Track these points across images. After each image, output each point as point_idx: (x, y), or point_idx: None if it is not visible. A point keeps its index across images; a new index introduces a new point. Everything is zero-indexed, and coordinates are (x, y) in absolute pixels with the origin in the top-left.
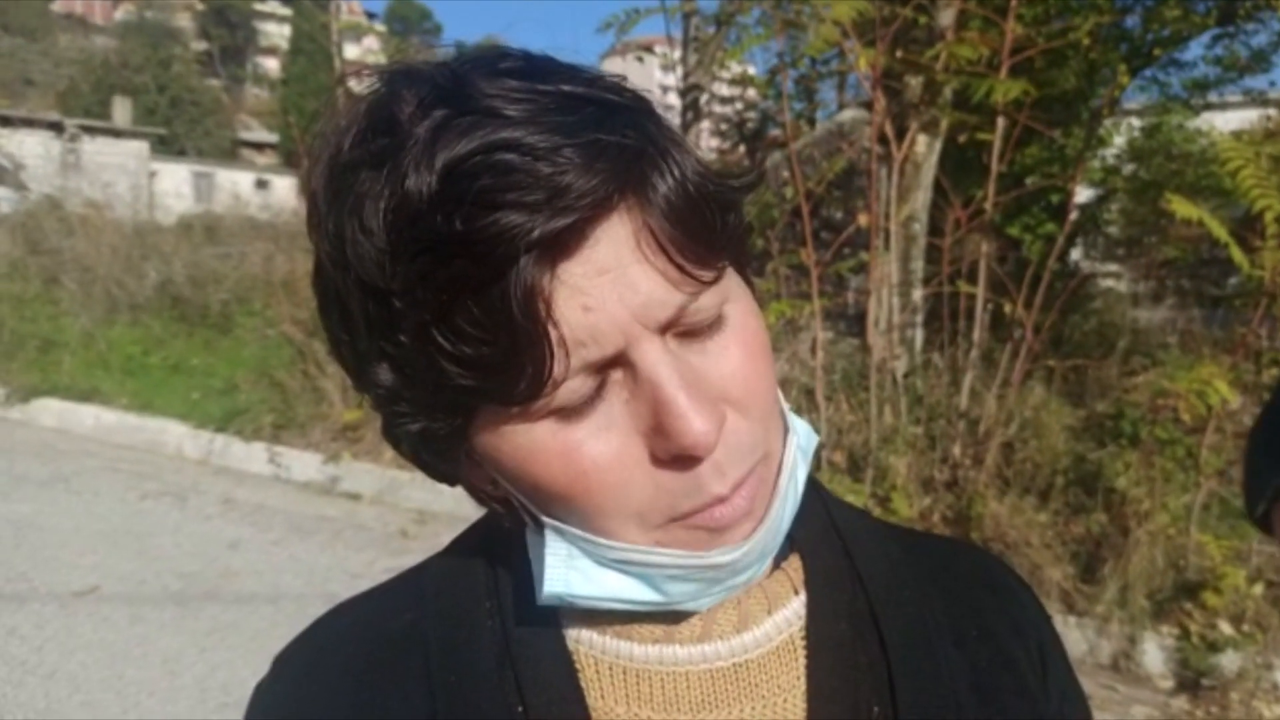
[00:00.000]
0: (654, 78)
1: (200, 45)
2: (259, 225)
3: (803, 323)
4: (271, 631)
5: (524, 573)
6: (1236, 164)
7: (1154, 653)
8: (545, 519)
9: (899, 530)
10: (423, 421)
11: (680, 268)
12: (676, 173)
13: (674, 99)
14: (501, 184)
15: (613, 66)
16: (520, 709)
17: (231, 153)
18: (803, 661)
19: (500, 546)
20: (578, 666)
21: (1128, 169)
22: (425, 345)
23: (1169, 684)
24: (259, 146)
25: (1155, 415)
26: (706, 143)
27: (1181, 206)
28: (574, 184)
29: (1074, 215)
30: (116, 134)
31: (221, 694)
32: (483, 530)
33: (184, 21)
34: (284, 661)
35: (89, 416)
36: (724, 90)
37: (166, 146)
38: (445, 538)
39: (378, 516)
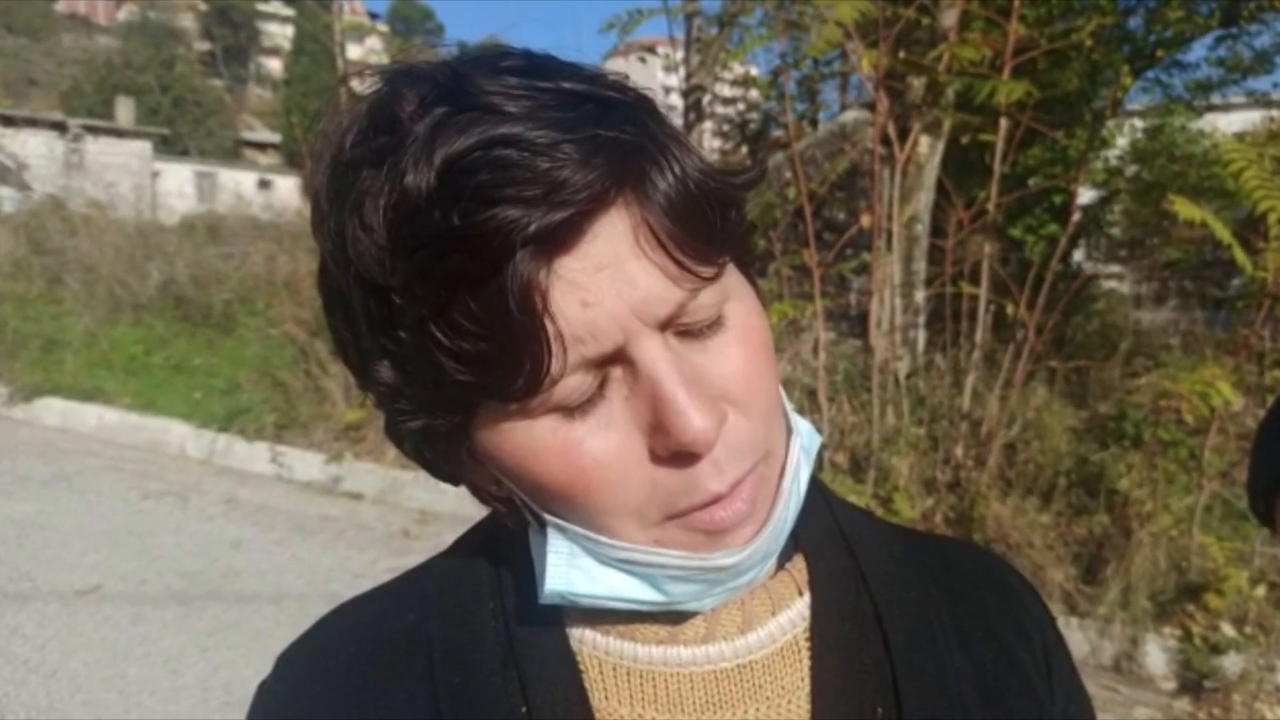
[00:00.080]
0: (656, 78)
1: (203, 45)
2: (262, 225)
3: (805, 323)
4: (274, 631)
5: (527, 573)
6: (1239, 165)
7: (1156, 654)
8: (547, 517)
9: (902, 531)
10: (423, 419)
11: (679, 264)
12: (676, 169)
13: (676, 100)
14: (499, 179)
15: (615, 67)
16: (524, 709)
17: (234, 153)
18: (807, 663)
19: (503, 547)
20: (582, 667)
21: (1130, 170)
22: (424, 341)
23: (1171, 685)
24: (262, 146)
25: (1158, 417)
26: (709, 143)
27: (1184, 208)
28: (571, 178)
29: (1076, 216)
30: (119, 134)
31: (223, 693)
32: (486, 530)
33: (187, 22)
34: (287, 661)
35: (92, 416)
36: (726, 91)
37: (169, 146)
38: (448, 537)
39: (380, 516)
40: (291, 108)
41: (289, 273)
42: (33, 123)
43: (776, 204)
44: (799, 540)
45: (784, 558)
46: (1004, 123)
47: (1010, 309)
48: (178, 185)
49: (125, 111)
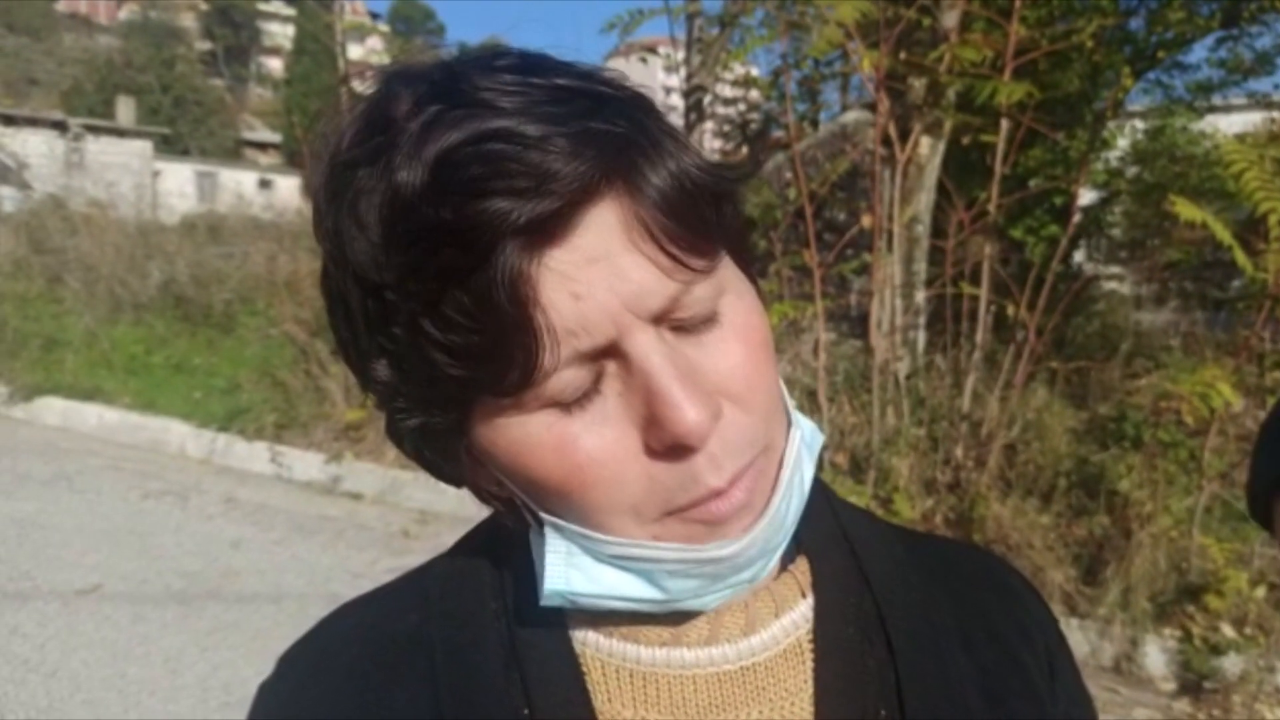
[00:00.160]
0: (658, 79)
1: (204, 45)
2: (262, 225)
3: (805, 324)
4: (273, 631)
5: (529, 574)
6: (1240, 166)
7: (1156, 655)
8: (545, 516)
9: (904, 532)
10: (420, 417)
11: (672, 256)
12: (669, 163)
13: (677, 100)
14: (490, 172)
15: (616, 67)
16: (526, 711)
17: (235, 152)
18: (810, 665)
19: (505, 548)
20: (584, 669)
21: (1131, 171)
22: (418, 337)
23: (1171, 686)
24: (262, 146)
25: (1158, 418)
26: (709, 144)
27: (1185, 209)
28: (560, 169)
29: (1077, 217)
30: (120, 133)
31: (223, 693)
32: (487, 532)
33: (188, 21)
34: (288, 662)
35: (92, 415)
36: (727, 91)
37: (170, 146)
38: (447, 537)
39: (380, 516)
40: (292, 107)
41: (289, 273)
42: (33, 122)
43: (777, 204)
44: (802, 542)
45: (787, 559)
46: (1005, 124)
47: (1011, 310)
48: (178, 185)
49: (126, 111)
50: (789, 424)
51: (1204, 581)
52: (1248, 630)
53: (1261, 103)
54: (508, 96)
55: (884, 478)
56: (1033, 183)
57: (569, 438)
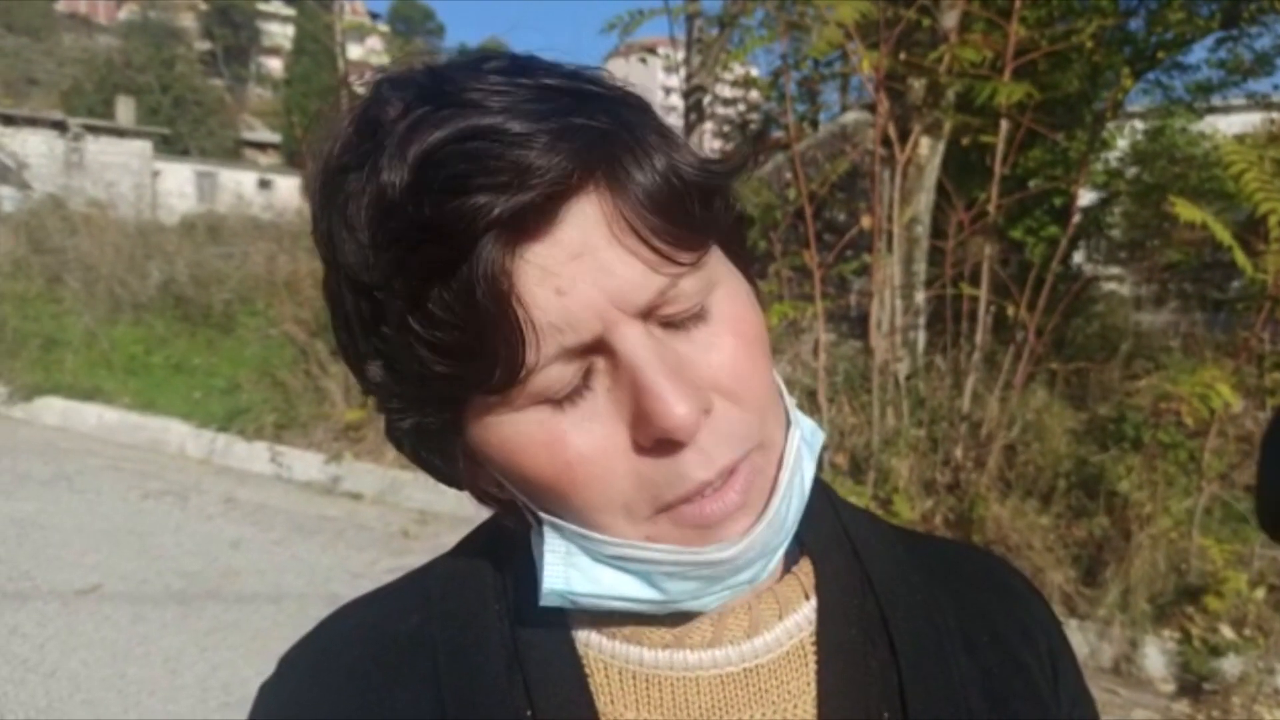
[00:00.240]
0: (657, 79)
1: (204, 45)
2: (262, 225)
3: (805, 324)
4: (273, 631)
5: (531, 576)
6: (1240, 167)
7: (1155, 656)
8: (543, 516)
9: (905, 533)
10: (414, 417)
11: (657, 250)
12: (656, 158)
13: (677, 100)
14: (471, 169)
15: (616, 68)
16: (529, 713)
17: (235, 152)
18: (813, 667)
19: (506, 548)
20: (587, 670)
21: (1131, 172)
22: (406, 336)
23: (1170, 688)
24: (262, 146)
25: (1157, 419)
26: (709, 144)
27: (1185, 210)
28: (536, 162)
29: (1077, 218)
30: (120, 133)
31: (223, 693)
32: (488, 532)
33: (187, 21)
34: (289, 663)
35: (91, 415)
36: (727, 92)
37: (170, 146)
38: (447, 538)
39: (379, 516)
40: (292, 107)
41: (289, 273)
42: (33, 122)
43: (777, 205)
44: (805, 543)
45: (790, 561)
46: (1004, 124)
47: (1010, 311)
48: (178, 185)
49: (125, 111)
50: (788, 423)
51: (1203, 583)
52: (1247, 631)
53: (1261, 103)
54: (494, 96)
55: (884, 478)
56: (1032, 183)
57: (558, 435)
